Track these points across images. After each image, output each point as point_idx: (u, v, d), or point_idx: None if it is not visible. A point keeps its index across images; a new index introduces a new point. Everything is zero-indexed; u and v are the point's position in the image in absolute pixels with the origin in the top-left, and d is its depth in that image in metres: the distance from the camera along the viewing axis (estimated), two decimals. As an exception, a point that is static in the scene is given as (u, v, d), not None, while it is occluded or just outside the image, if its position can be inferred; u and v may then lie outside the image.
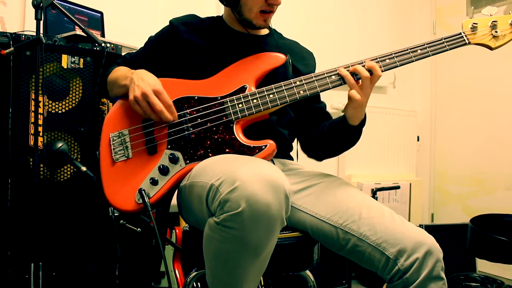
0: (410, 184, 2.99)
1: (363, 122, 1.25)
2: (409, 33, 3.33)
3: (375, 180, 2.84)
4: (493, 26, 1.20)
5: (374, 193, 2.64)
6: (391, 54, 1.18)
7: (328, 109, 1.47)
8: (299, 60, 1.41)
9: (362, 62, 1.18)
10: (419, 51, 1.19)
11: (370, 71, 1.16)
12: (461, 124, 3.23)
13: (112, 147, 1.23)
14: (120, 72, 1.32)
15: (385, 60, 1.18)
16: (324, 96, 1.46)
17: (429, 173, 3.39)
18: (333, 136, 1.30)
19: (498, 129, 2.98)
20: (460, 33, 1.20)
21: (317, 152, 1.41)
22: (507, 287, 2.30)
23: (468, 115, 3.18)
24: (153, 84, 1.18)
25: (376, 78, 1.16)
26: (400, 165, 3.18)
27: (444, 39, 1.19)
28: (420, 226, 2.57)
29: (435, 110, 3.41)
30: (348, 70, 1.17)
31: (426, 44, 1.19)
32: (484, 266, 2.78)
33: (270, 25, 1.43)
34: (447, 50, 1.19)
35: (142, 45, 1.42)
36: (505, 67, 2.93)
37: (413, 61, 1.19)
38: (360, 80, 1.16)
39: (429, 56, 1.19)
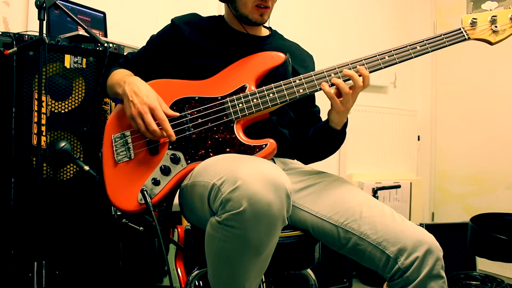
0: (411, 183, 3.00)
1: (345, 125, 1.27)
2: (409, 33, 3.33)
3: (376, 179, 2.85)
4: (493, 21, 1.18)
5: (375, 192, 2.64)
6: (390, 51, 1.18)
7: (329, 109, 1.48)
8: (299, 63, 1.41)
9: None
10: (418, 48, 1.18)
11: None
12: (461, 123, 3.23)
13: (114, 148, 1.24)
14: (116, 78, 1.32)
15: (384, 57, 1.18)
16: (324, 96, 1.47)
17: (430, 172, 3.40)
18: (317, 140, 1.32)
19: (498, 129, 2.98)
20: (460, 29, 1.19)
21: (303, 155, 1.43)
22: (507, 286, 2.31)
23: (468, 115, 3.18)
24: (149, 101, 1.17)
25: (366, 82, 1.16)
26: (400, 164, 3.18)
27: (443, 35, 1.18)
28: (421, 225, 2.58)
29: (435, 109, 3.42)
30: (339, 77, 1.17)
31: (425, 40, 1.18)
32: (484, 265, 2.79)
33: (270, 25, 1.44)
34: (446, 46, 1.18)
35: (144, 44, 1.43)
36: (505, 67, 2.93)
37: (412, 58, 1.18)
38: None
39: (428, 52, 1.18)
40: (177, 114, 1.21)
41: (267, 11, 1.32)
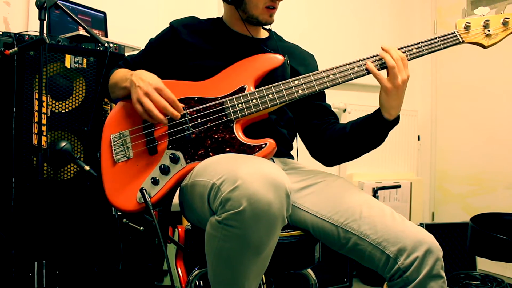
0: (411, 183, 3.00)
1: (396, 120, 1.22)
2: (409, 33, 3.33)
3: (376, 179, 2.85)
4: (486, 25, 1.22)
5: (375, 192, 2.64)
6: None
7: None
8: (299, 62, 1.41)
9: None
10: (414, 50, 1.20)
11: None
12: (461, 123, 3.23)
13: (113, 148, 1.24)
14: (120, 74, 1.33)
15: (381, 59, 1.19)
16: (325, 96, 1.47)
17: (430, 172, 3.40)
18: (359, 133, 1.25)
19: (498, 128, 2.98)
20: (454, 32, 1.22)
21: (330, 155, 1.37)
22: (507, 286, 2.31)
23: (468, 115, 3.18)
24: (154, 82, 1.18)
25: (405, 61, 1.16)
26: (401, 164, 3.18)
27: (438, 37, 1.21)
28: (421, 225, 2.58)
29: (435, 109, 3.42)
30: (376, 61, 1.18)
31: (421, 43, 1.20)
32: (484, 265, 2.79)
33: (269, 27, 1.44)
34: (441, 48, 1.21)
35: (143, 47, 1.43)
36: (505, 66, 2.93)
37: (409, 60, 1.19)
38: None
39: (424, 54, 1.21)
40: (182, 105, 1.21)
41: (275, 12, 1.34)
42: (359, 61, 1.19)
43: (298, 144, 1.47)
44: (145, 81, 1.18)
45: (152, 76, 1.21)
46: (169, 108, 1.17)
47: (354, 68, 1.19)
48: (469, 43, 1.23)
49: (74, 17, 1.67)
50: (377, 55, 1.19)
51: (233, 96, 1.20)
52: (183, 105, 1.21)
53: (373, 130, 1.24)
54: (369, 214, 1.10)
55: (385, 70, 1.18)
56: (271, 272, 1.12)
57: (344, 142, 1.30)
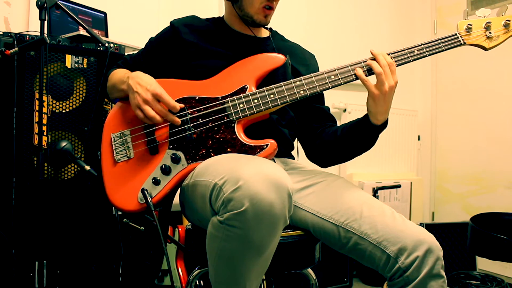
0: (411, 183, 3.00)
1: (384, 125, 1.23)
2: (410, 33, 3.33)
3: (376, 179, 2.85)
4: (487, 27, 1.22)
5: (375, 192, 2.65)
6: (389, 55, 1.19)
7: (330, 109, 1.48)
8: (300, 61, 1.41)
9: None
10: (416, 52, 1.20)
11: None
12: (461, 123, 3.23)
13: (113, 148, 1.24)
14: (117, 76, 1.32)
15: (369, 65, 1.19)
16: (325, 96, 1.47)
17: (430, 172, 3.40)
18: (348, 137, 1.27)
19: (498, 128, 2.98)
20: (456, 34, 1.22)
21: (324, 157, 1.38)
22: (507, 285, 2.31)
23: (468, 114, 3.18)
24: (152, 88, 1.17)
25: (388, 60, 1.16)
26: (401, 164, 3.18)
27: (440, 39, 1.22)
28: (421, 224, 2.58)
29: (435, 109, 3.42)
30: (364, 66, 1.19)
31: (423, 44, 1.21)
32: (484, 264, 2.79)
33: (271, 27, 1.44)
34: (443, 50, 1.21)
35: (143, 47, 1.43)
36: (505, 66, 2.93)
37: (410, 61, 1.20)
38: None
39: (425, 56, 1.21)
40: (182, 105, 1.21)
41: (271, 13, 1.33)
42: (361, 62, 1.20)
43: (299, 144, 1.47)
44: (143, 86, 1.18)
45: (150, 80, 1.21)
46: (170, 115, 1.18)
47: (355, 69, 1.19)
48: (471, 45, 1.24)
49: (75, 17, 1.67)
50: (366, 61, 1.19)
51: (235, 96, 1.20)
52: (183, 105, 1.21)
53: (361, 135, 1.25)
54: (370, 214, 1.11)
55: (373, 76, 1.18)
56: (271, 271, 1.12)
57: (335, 145, 1.31)
